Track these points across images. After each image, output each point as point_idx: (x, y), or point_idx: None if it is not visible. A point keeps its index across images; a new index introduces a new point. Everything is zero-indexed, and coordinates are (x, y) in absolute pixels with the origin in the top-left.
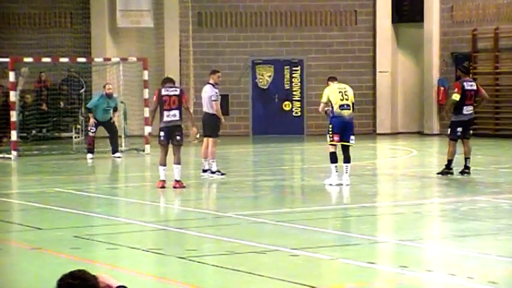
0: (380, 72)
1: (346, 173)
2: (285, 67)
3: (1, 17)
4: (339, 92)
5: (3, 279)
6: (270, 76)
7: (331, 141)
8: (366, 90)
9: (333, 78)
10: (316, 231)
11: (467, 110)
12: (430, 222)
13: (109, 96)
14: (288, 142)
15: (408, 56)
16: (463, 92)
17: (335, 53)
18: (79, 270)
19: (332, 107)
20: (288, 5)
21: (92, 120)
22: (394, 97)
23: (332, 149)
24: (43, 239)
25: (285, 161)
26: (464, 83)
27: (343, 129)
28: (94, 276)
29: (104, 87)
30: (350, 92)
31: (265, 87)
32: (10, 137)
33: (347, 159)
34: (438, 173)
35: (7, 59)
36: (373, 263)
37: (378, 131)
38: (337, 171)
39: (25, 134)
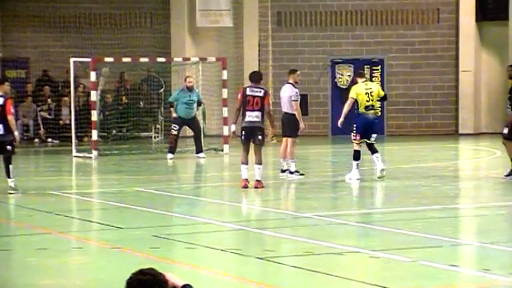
0: (463, 71)
1: (378, 160)
2: (365, 66)
3: (83, 18)
4: (366, 93)
5: (83, 278)
6: (349, 76)
7: (354, 139)
8: (448, 89)
9: (360, 75)
10: (396, 232)
11: None
12: None
13: (189, 89)
14: None
15: (493, 55)
16: None
17: (416, 52)
18: (148, 268)
19: (357, 107)
20: (369, 4)
21: (173, 115)
22: (477, 97)
23: (356, 147)
24: (123, 238)
25: (364, 162)
26: None
27: (366, 129)
28: (162, 274)
29: (185, 80)
30: (375, 91)
31: (344, 87)
32: (91, 137)
33: (374, 151)
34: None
35: (89, 59)
36: (455, 266)
37: (460, 131)
38: (358, 168)
39: (105, 134)
